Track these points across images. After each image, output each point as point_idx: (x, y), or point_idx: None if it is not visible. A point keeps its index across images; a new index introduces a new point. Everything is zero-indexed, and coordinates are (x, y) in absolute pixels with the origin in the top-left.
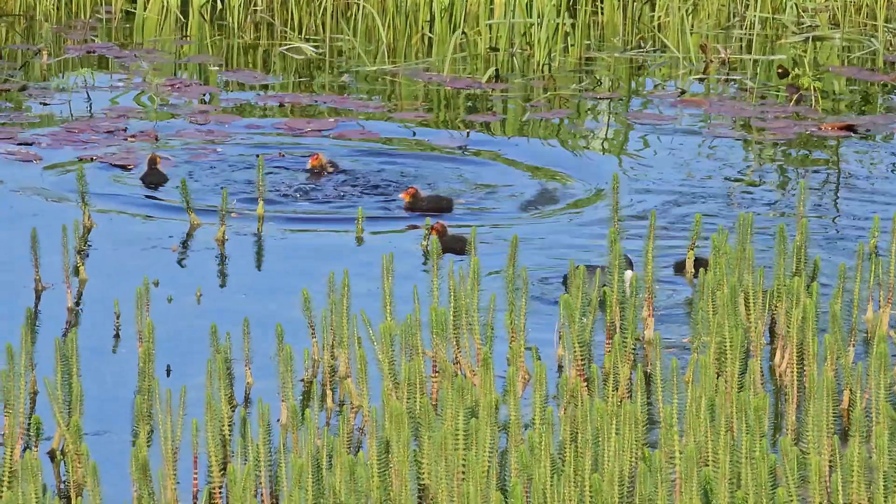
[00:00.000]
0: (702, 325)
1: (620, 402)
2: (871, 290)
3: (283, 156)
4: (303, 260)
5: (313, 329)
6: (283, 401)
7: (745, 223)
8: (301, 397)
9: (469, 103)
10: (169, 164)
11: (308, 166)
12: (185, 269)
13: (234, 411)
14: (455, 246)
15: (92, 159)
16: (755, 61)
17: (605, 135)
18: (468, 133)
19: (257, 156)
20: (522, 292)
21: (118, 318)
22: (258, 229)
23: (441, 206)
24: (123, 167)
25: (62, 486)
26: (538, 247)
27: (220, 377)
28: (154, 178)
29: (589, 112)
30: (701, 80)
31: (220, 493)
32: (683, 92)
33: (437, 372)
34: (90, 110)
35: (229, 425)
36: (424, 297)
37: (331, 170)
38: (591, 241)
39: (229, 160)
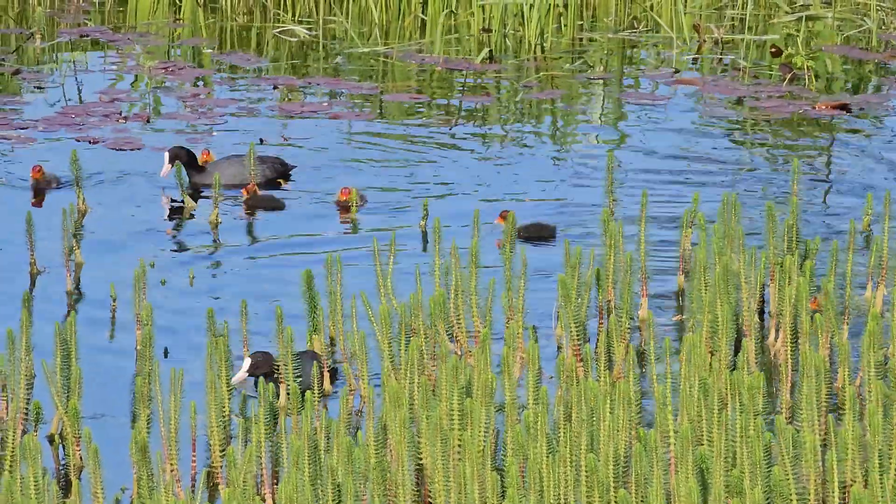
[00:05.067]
0: (695, 303)
1: (615, 381)
2: (870, 269)
3: (263, 142)
4: (297, 243)
5: (312, 310)
6: (282, 382)
7: (731, 203)
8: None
9: (462, 84)
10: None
11: (339, 199)
12: (179, 251)
13: (233, 393)
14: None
15: (91, 142)
16: (748, 41)
17: (599, 115)
18: (454, 123)
19: (261, 140)
20: (521, 272)
21: (115, 301)
22: (250, 213)
23: (542, 233)
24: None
25: (61, 469)
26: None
27: (220, 359)
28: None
29: (582, 92)
30: (694, 59)
31: (219, 474)
32: (677, 71)
33: (435, 354)
34: (83, 94)
35: (229, 407)
36: (423, 278)
37: (360, 203)
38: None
39: (223, 144)
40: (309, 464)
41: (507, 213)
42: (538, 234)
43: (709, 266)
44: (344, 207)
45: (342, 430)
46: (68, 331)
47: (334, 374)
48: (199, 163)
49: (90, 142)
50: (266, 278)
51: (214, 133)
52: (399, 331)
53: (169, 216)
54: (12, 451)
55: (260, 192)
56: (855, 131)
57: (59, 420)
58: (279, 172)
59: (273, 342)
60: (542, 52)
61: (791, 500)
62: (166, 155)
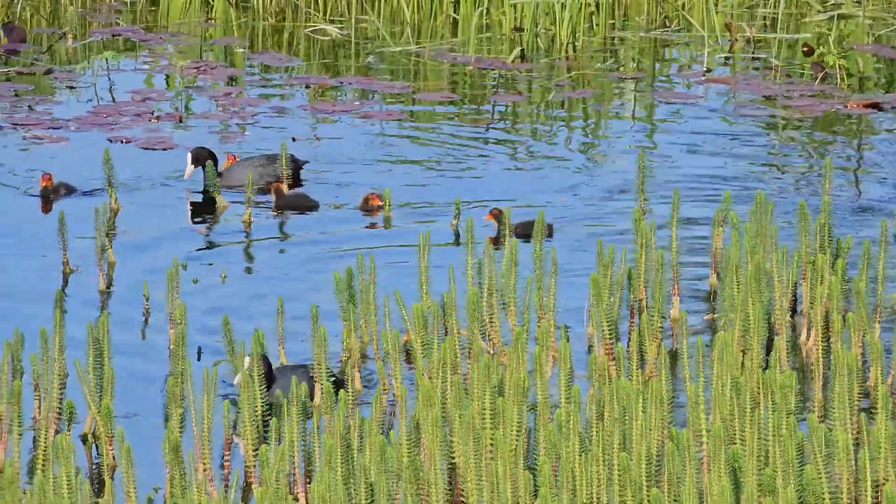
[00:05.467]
0: (727, 302)
1: (647, 380)
2: None
3: (296, 141)
4: (329, 242)
5: (344, 311)
6: (316, 382)
7: (763, 201)
8: (334, 378)
9: (494, 83)
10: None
11: (366, 205)
12: (211, 251)
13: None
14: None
15: (123, 141)
16: (780, 40)
17: (631, 114)
18: (486, 122)
19: (293, 139)
20: (552, 271)
21: (147, 300)
22: (280, 213)
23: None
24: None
25: (94, 468)
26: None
27: (255, 358)
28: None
29: (614, 91)
30: (726, 58)
31: (252, 473)
32: (709, 70)
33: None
34: (115, 93)
35: (262, 406)
36: (459, 278)
37: (379, 203)
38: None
39: (254, 143)
40: (342, 463)
41: (498, 211)
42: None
43: (741, 265)
44: (367, 211)
45: (375, 430)
46: (101, 330)
47: (338, 385)
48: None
49: (122, 141)
50: (298, 278)
51: (247, 132)
52: (432, 330)
53: (201, 216)
54: (45, 451)
55: (289, 192)
56: (887, 130)
57: (91, 419)
58: (291, 169)
59: (307, 341)
60: (574, 51)
61: (824, 498)
62: (188, 156)
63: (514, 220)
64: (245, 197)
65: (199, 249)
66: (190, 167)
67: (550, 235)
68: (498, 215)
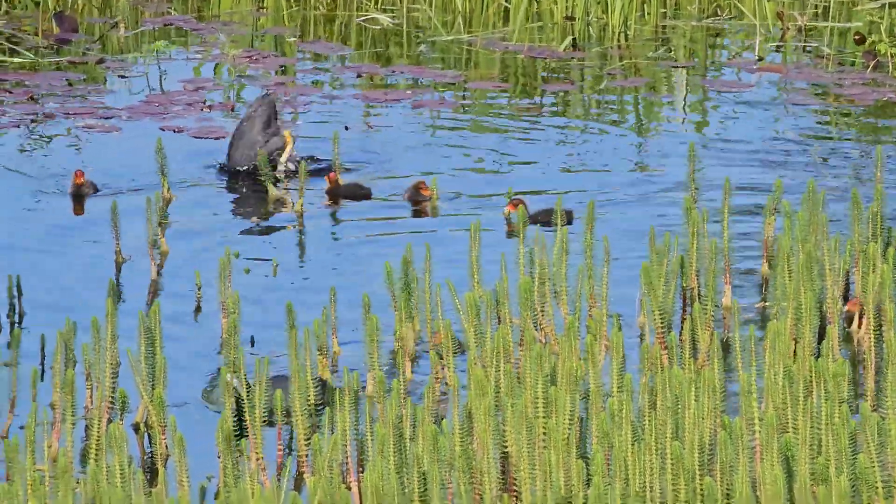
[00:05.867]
0: (779, 291)
1: (699, 369)
2: None
3: (348, 129)
4: (381, 231)
5: (396, 300)
6: (368, 370)
7: (815, 190)
8: (386, 367)
9: (545, 72)
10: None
11: (415, 194)
12: (263, 240)
13: (319, 381)
14: (540, 218)
15: (175, 131)
16: (832, 28)
17: (683, 103)
18: (538, 111)
19: (346, 127)
20: (604, 260)
21: (199, 289)
22: (334, 202)
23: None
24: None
25: (146, 458)
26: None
27: (305, 347)
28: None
29: (665, 80)
30: (778, 47)
31: (306, 463)
32: (760, 59)
33: (522, 341)
34: (167, 82)
35: (315, 395)
36: (507, 266)
37: (428, 193)
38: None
39: (307, 132)
40: (394, 452)
41: (518, 201)
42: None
43: (793, 253)
44: (416, 200)
45: (428, 419)
46: (153, 319)
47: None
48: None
49: (174, 130)
50: (350, 267)
51: (298, 121)
52: (485, 319)
53: (254, 205)
54: (98, 440)
55: (344, 182)
56: None
57: (143, 409)
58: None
59: (359, 331)
60: (626, 39)
61: (877, 487)
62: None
63: (536, 208)
64: (298, 186)
65: (251, 238)
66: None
67: (570, 222)
68: (518, 205)
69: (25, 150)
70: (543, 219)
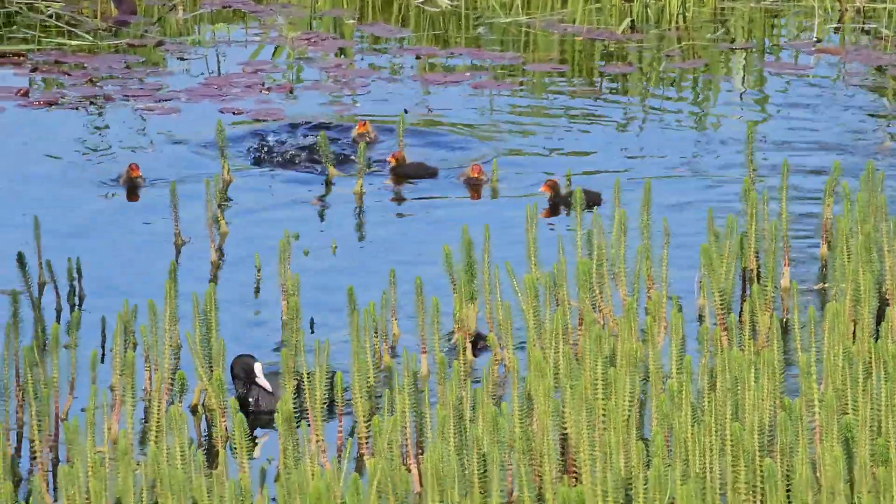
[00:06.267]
0: (838, 272)
1: (759, 350)
2: None
3: (407, 112)
4: (440, 213)
5: (454, 282)
6: (422, 353)
7: (873, 171)
8: (446, 349)
9: (604, 54)
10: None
11: (354, 133)
12: (322, 222)
13: (379, 364)
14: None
15: (234, 113)
16: (890, 10)
17: (741, 84)
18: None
19: (405, 110)
20: (664, 241)
21: (259, 271)
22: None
23: (589, 200)
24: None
25: (205, 439)
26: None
27: (365, 330)
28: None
29: (723, 62)
30: (836, 28)
31: (365, 444)
32: (819, 41)
33: (581, 322)
34: (226, 64)
35: (375, 377)
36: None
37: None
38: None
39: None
40: (454, 434)
41: (554, 182)
42: (585, 202)
43: (851, 235)
44: (473, 185)
45: (487, 400)
46: (211, 301)
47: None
48: (355, 134)
49: (233, 112)
50: (410, 248)
51: (357, 104)
52: (543, 300)
53: (314, 186)
54: (158, 422)
55: (409, 161)
56: None
57: (201, 391)
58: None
59: (415, 314)
60: (684, 21)
61: None
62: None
63: (572, 189)
64: (357, 169)
65: (311, 220)
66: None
67: (599, 204)
68: (554, 186)
69: (85, 133)
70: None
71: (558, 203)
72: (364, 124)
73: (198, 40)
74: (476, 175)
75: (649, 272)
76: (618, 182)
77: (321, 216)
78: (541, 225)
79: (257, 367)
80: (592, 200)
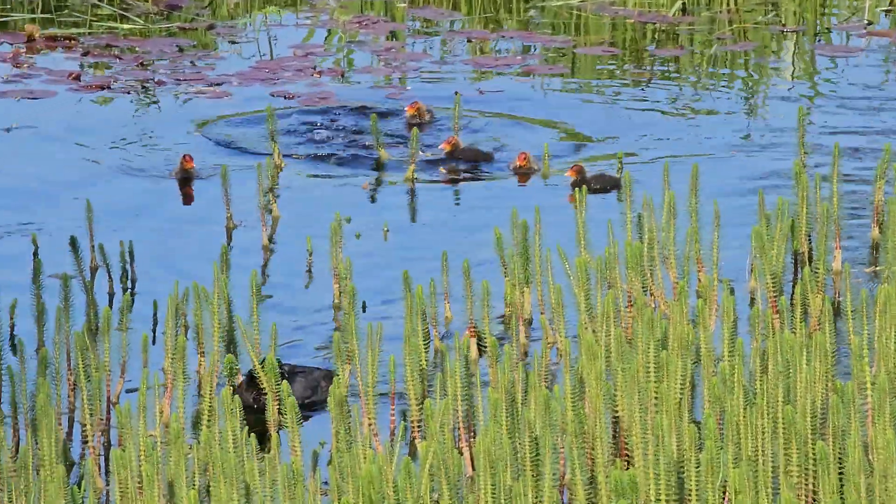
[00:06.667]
0: (890, 255)
1: (811, 333)
2: None
3: (458, 95)
4: (493, 197)
5: (506, 265)
6: (471, 336)
7: None
8: (497, 332)
9: (655, 37)
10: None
11: (407, 115)
12: (374, 205)
13: (430, 347)
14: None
15: (286, 97)
16: None
17: (791, 67)
18: (647, 76)
19: (456, 93)
20: (714, 224)
21: (311, 255)
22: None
23: (609, 185)
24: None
25: (257, 424)
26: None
27: (417, 313)
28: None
29: (774, 45)
30: (887, 11)
31: (417, 427)
32: (870, 23)
33: (631, 305)
34: (277, 48)
35: (427, 360)
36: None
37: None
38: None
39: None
40: (506, 417)
41: (580, 167)
42: (605, 186)
43: None
44: (521, 173)
45: (539, 383)
46: (263, 285)
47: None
48: (407, 116)
49: (285, 97)
50: (462, 232)
51: (409, 87)
52: (595, 283)
53: (365, 170)
54: (210, 406)
55: (463, 146)
56: None
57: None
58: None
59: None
60: (735, 4)
61: None
62: None
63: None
64: (409, 153)
65: (362, 203)
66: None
67: (619, 188)
68: (580, 170)
69: (136, 117)
70: (595, 185)
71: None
72: (415, 105)
73: (249, 24)
74: (522, 163)
75: (699, 255)
76: (667, 165)
77: (372, 200)
78: (591, 207)
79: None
80: (612, 184)
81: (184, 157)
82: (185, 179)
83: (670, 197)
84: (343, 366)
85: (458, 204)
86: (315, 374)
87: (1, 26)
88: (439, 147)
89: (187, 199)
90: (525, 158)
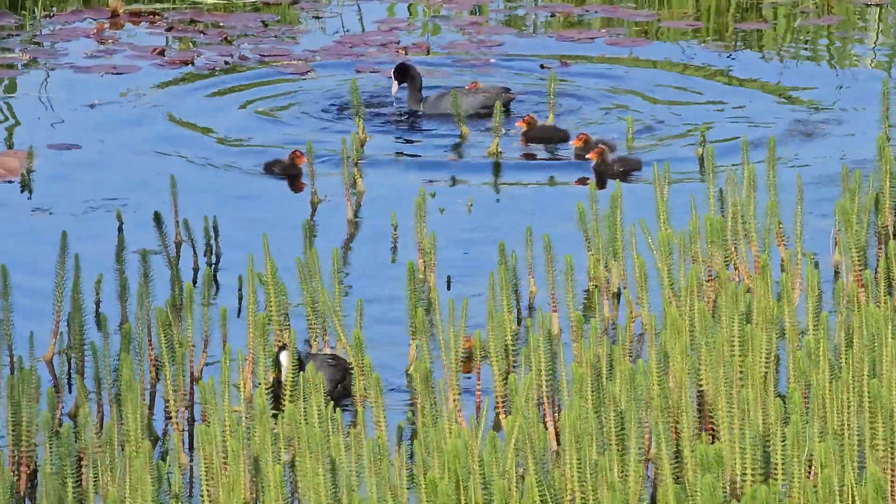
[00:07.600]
0: None
1: None
2: None
3: (544, 68)
4: (574, 173)
5: (588, 240)
6: (553, 311)
7: None
8: (581, 307)
9: (739, 11)
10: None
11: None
12: (458, 180)
13: (516, 322)
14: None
15: (370, 72)
16: None
17: (876, 41)
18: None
19: (542, 66)
20: (797, 198)
21: (395, 229)
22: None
23: (630, 166)
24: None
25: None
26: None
27: (502, 287)
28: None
29: (859, 18)
30: None
31: (502, 403)
32: None
33: (712, 279)
34: (361, 23)
35: (512, 335)
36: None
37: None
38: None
39: (501, 73)
40: (591, 391)
41: (601, 149)
42: (627, 168)
43: None
44: (579, 155)
45: (624, 357)
46: (344, 260)
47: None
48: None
49: (369, 72)
50: (544, 208)
51: (492, 60)
52: (678, 258)
53: (448, 145)
54: (294, 380)
55: (540, 123)
56: None
57: (340, 349)
58: (504, 102)
59: (554, 272)
60: None
61: None
62: (392, 73)
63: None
64: (493, 126)
65: (446, 179)
66: (395, 84)
67: (639, 170)
68: (602, 153)
69: (220, 93)
70: (619, 168)
71: (602, 171)
72: (475, 83)
73: None
74: (580, 142)
75: (779, 229)
76: (745, 139)
77: (457, 174)
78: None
79: (283, 357)
80: (633, 167)
81: (294, 152)
82: (295, 176)
83: (750, 171)
84: (425, 340)
85: (540, 178)
86: (340, 363)
87: (85, 2)
88: (516, 125)
89: (292, 188)
90: (581, 139)
